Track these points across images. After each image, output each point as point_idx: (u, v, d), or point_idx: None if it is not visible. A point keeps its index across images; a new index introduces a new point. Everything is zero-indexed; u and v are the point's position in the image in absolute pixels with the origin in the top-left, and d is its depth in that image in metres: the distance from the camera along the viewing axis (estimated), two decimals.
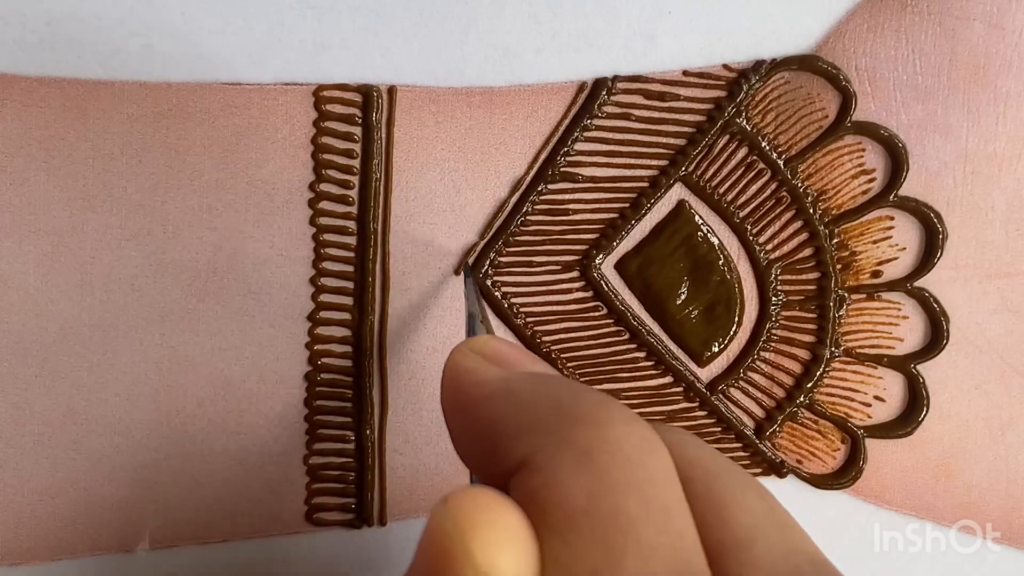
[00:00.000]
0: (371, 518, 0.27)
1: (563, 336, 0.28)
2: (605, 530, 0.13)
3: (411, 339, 0.27)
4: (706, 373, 0.29)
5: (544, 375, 0.17)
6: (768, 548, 0.15)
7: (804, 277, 0.29)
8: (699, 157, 0.28)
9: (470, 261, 0.27)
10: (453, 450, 0.26)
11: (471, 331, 0.24)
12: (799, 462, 0.29)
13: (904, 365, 0.29)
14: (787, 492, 0.29)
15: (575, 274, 0.28)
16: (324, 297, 0.27)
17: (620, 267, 0.28)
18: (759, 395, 0.29)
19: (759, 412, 0.29)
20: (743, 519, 0.16)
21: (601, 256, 0.28)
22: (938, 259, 0.28)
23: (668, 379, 0.29)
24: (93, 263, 0.26)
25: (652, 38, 0.27)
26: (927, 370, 0.29)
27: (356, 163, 0.26)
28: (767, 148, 0.28)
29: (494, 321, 0.28)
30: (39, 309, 0.25)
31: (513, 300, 0.28)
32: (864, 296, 0.29)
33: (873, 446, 0.29)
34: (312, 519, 0.27)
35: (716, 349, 0.29)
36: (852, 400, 0.29)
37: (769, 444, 0.29)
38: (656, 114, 0.27)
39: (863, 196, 0.28)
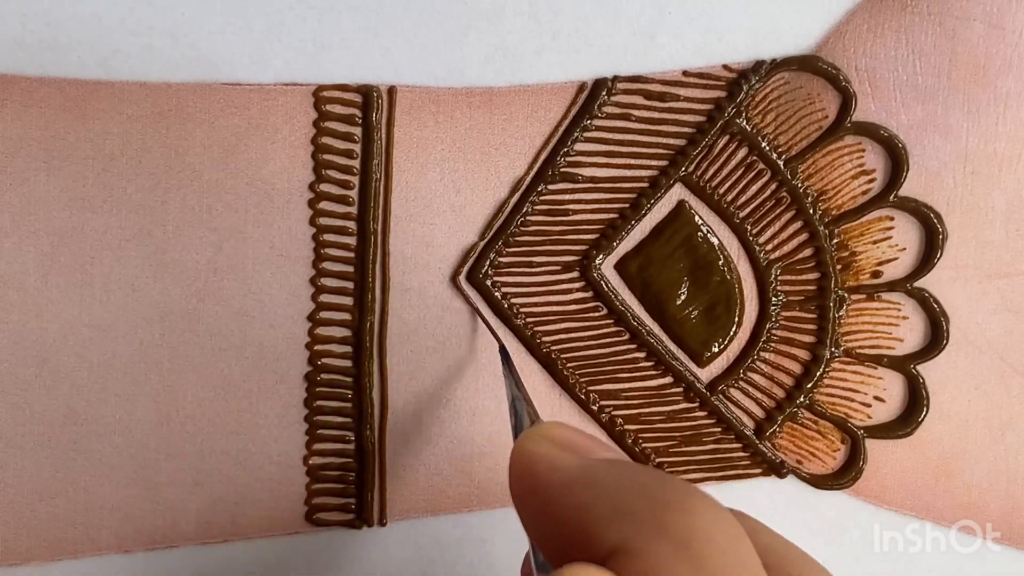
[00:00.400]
0: (371, 518, 0.27)
1: (563, 336, 0.28)
2: None
3: (411, 339, 0.27)
4: (706, 373, 0.29)
5: (624, 463, 0.17)
6: None
7: (804, 277, 0.29)
8: (699, 157, 0.28)
9: (468, 264, 0.27)
10: (453, 451, 0.26)
11: (517, 416, 0.23)
12: (799, 462, 0.29)
13: (904, 365, 0.29)
14: (787, 492, 0.29)
15: (575, 274, 0.28)
16: (324, 297, 0.27)
17: (620, 267, 0.28)
18: (759, 395, 0.29)
19: (759, 412, 0.29)
20: None
21: (601, 256, 0.28)
22: (938, 259, 0.28)
23: (668, 379, 0.29)
24: (93, 263, 0.26)
25: (652, 38, 0.27)
26: (927, 370, 0.29)
27: (356, 163, 0.26)
28: (767, 148, 0.28)
29: (495, 322, 0.28)
30: (39, 309, 0.25)
31: (513, 300, 0.28)
32: (864, 296, 0.29)
33: (873, 446, 0.29)
34: (312, 519, 0.27)
35: (716, 349, 0.29)
36: (852, 400, 0.29)
37: (769, 444, 0.29)
38: (656, 114, 0.27)
39: (863, 196, 0.28)
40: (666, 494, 0.15)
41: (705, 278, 0.28)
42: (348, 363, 0.27)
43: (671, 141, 0.28)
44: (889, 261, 0.29)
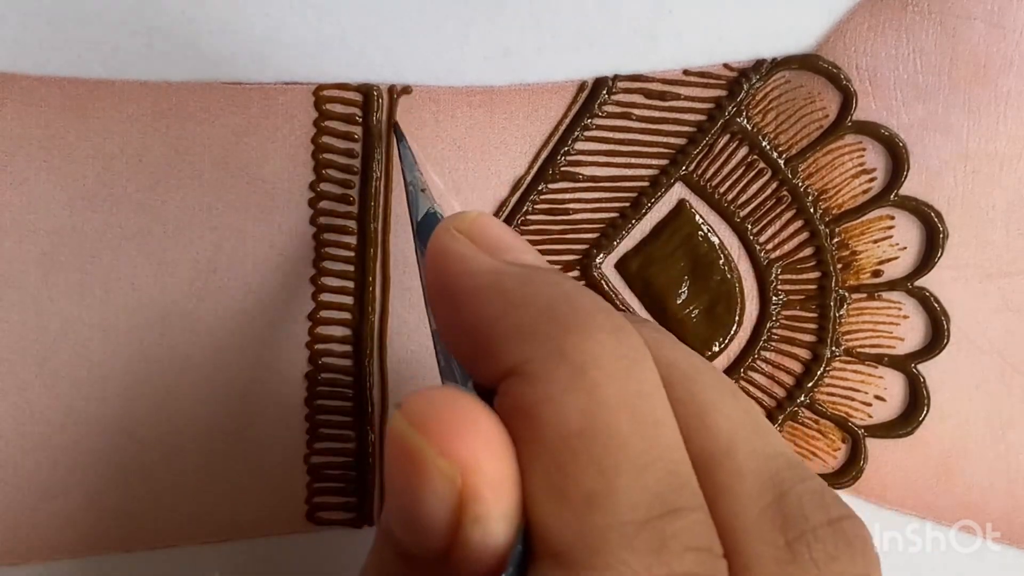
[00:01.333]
0: (372, 517, 0.27)
1: None
2: (599, 451, 0.13)
3: (411, 339, 0.27)
4: None
5: (535, 270, 0.16)
6: (750, 454, 0.15)
7: (805, 276, 0.29)
8: (700, 156, 0.28)
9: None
10: None
11: (414, 203, 0.23)
12: None
13: (905, 364, 0.29)
14: None
15: (575, 273, 0.28)
16: (324, 296, 0.27)
17: (620, 266, 0.28)
18: (760, 394, 0.29)
19: None
20: (723, 425, 0.16)
21: (601, 255, 0.28)
22: (939, 258, 0.28)
23: None
24: (93, 262, 0.26)
25: (653, 37, 0.27)
26: (928, 369, 0.29)
27: (356, 162, 0.26)
28: (768, 147, 0.28)
29: None
30: (39, 308, 0.25)
31: None
32: (865, 295, 0.29)
33: (874, 445, 0.29)
34: (313, 518, 0.27)
35: (716, 348, 0.29)
36: (853, 399, 0.29)
37: None
38: (657, 113, 0.27)
39: (864, 195, 0.28)
40: (571, 313, 0.15)
41: (706, 277, 0.28)
42: (349, 362, 0.27)
43: (672, 140, 0.28)
44: (890, 260, 0.29)
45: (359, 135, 0.26)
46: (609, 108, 0.27)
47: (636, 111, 0.27)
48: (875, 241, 0.29)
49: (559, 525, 0.13)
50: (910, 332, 0.29)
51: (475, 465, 0.13)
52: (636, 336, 0.15)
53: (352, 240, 0.27)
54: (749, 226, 0.28)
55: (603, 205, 0.28)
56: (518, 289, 0.15)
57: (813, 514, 0.15)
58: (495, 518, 0.13)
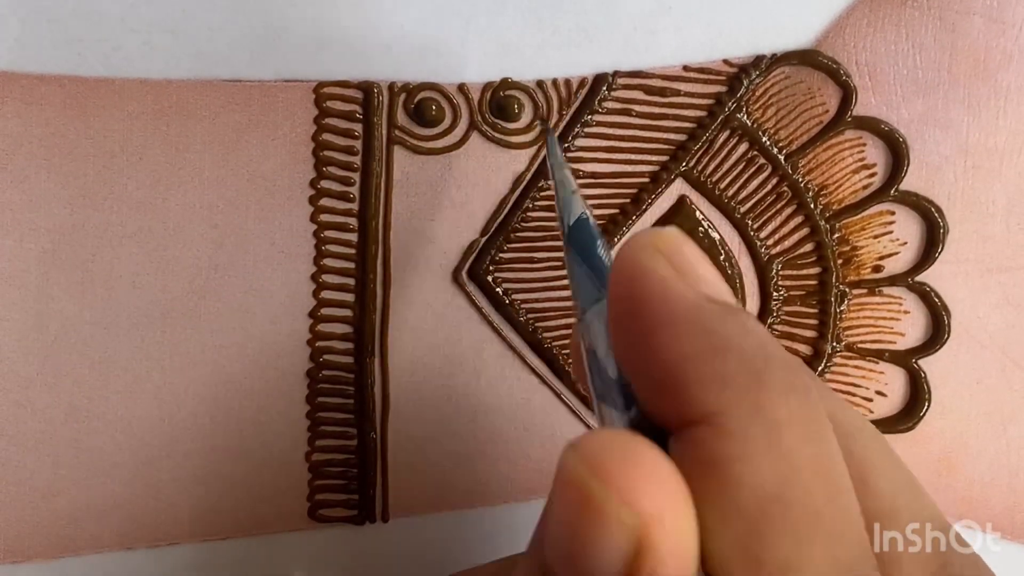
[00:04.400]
0: (374, 515, 0.27)
1: (565, 332, 0.28)
2: (796, 519, 0.13)
3: (413, 335, 0.27)
4: None
5: (735, 311, 0.15)
6: (911, 518, 0.15)
7: (805, 272, 0.29)
8: (700, 152, 0.28)
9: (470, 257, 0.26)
10: (455, 447, 0.25)
11: (566, 206, 0.20)
12: None
13: (905, 360, 0.29)
14: None
15: None
16: (325, 294, 0.27)
17: None
18: None
19: None
20: (885, 487, 0.15)
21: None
22: (939, 254, 0.28)
23: None
24: (94, 261, 0.26)
25: (652, 33, 0.27)
26: (928, 365, 0.29)
27: (357, 160, 0.26)
28: (768, 143, 0.28)
29: (496, 319, 0.28)
30: (40, 307, 0.25)
31: (515, 296, 0.28)
32: (865, 291, 0.29)
33: None
34: (315, 516, 0.27)
35: None
36: (854, 395, 0.29)
37: None
38: (657, 109, 0.27)
39: (864, 191, 0.28)
40: (767, 368, 0.14)
41: None
42: (350, 359, 0.27)
43: (672, 136, 0.28)
44: (890, 255, 0.29)
45: (360, 132, 0.26)
46: (609, 104, 0.27)
47: (636, 107, 0.27)
48: (875, 236, 0.29)
49: None
50: (911, 327, 0.29)
51: (658, 518, 0.13)
52: (816, 394, 0.15)
53: (353, 237, 0.27)
54: (749, 222, 0.28)
55: (604, 201, 0.28)
56: (720, 330, 0.14)
57: None
58: (673, 571, 0.13)
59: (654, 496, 0.13)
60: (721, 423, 0.14)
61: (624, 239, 0.16)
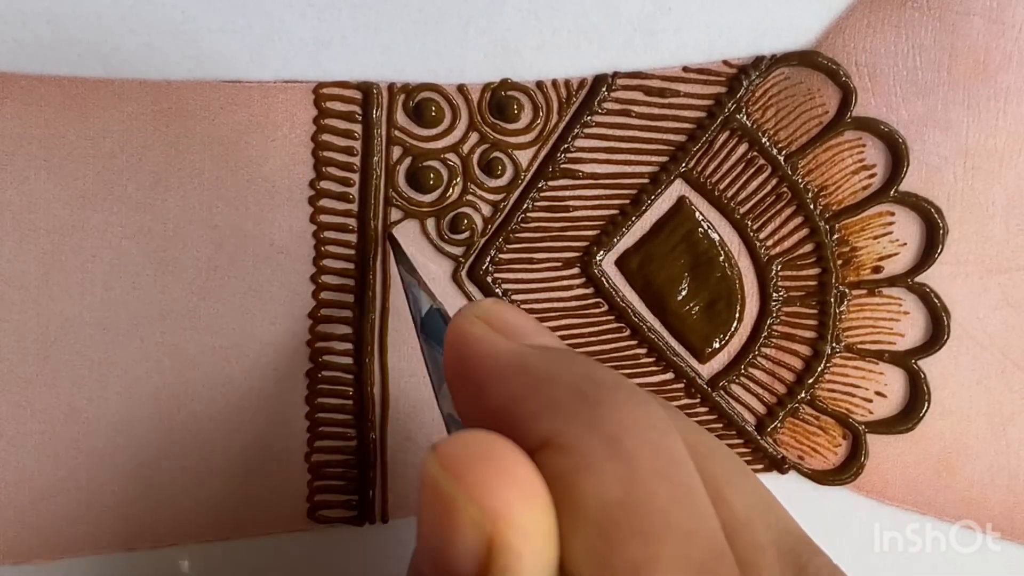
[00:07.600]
0: (373, 515, 0.27)
1: (564, 333, 0.28)
2: (641, 520, 0.13)
3: (412, 336, 0.27)
4: (707, 369, 0.29)
5: (556, 350, 0.17)
6: (767, 528, 0.16)
7: (805, 273, 0.29)
8: (699, 153, 0.28)
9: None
10: None
11: (415, 302, 0.23)
12: (800, 458, 0.29)
13: (905, 361, 0.29)
14: (788, 488, 0.29)
15: (576, 271, 0.28)
16: (325, 295, 0.27)
17: (621, 264, 0.28)
18: (760, 391, 0.29)
19: (760, 408, 0.29)
20: (739, 501, 0.16)
21: (602, 253, 0.28)
22: (939, 254, 0.28)
23: (669, 375, 0.29)
24: (94, 261, 0.26)
25: (652, 34, 0.27)
26: (928, 366, 0.29)
27: (356, 160, 0.26)
28: (767, 144, 0.28)
29: None
30: (40, 307, 0.25)
31: (514, 297, 0.28)
32: (865, 292, 0.29)
33: (874, 442, 0.29)
34: (314, 516, 0.27)
35: (717, 345, 0.29)
36: (853, 396, 0.29)
37: (771, 440, 0.29)
38: (656, 110, 0.27)
39: (864, 192, 0.28)
40: (597, 389, 0.15)
41: (706, 274, 0.28)
42: (349, 360, 0.27)
43: (671, 137, 0.28)
44: (890, 256, 0.29)
45: (359, 133, 0.26)
46: (609, 105, 0.27)
47: (636, 108, 0.27)
48: (875, 237, 0.29)
49: None
50: (910, 328, 0.29)
51: (507, 515, 0.13)
52: (660, 408, 0.15)
53: (352, 238, 0.27)
54: (749, 223, 0.28)
55: (603, 202, 0.28)
56: (543, 368, 0.15)
57: None
58: (525, 570, 0.13)
59: (503, 493, 0.13)
60: (561, 442, 0.14)
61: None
